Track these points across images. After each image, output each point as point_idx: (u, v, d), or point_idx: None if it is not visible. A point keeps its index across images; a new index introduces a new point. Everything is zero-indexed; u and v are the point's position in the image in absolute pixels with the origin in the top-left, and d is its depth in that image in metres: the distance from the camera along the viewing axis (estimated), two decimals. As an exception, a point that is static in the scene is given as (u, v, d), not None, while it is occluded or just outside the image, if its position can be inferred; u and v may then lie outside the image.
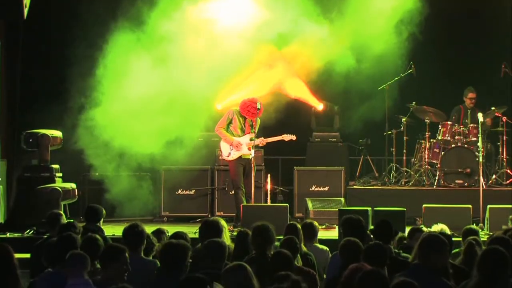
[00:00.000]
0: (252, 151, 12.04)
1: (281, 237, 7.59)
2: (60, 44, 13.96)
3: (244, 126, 12.37)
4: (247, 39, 13.55)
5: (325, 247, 8.51)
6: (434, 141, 14.12)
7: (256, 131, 12.28)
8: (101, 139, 13.39)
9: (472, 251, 6.89)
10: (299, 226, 8.08)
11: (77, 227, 7.89)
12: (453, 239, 8.00)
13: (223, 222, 7.71)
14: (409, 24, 13.87)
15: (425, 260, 5.95)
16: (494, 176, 13.74)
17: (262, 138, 12.38)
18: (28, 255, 8.25)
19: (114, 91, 13.45)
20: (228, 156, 12.32)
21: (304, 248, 7.81)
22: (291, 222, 8.45)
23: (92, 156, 13.48)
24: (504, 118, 13.85)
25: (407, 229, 9.78)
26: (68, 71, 13.51)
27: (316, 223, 8.63)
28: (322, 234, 11.26)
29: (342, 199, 13.34)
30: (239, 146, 12.25)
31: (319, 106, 14.84)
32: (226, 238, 7.68)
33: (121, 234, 7.29)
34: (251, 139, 12.18)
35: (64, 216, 8.80)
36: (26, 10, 11.99)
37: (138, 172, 14.00)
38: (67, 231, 7.30)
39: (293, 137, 12.49)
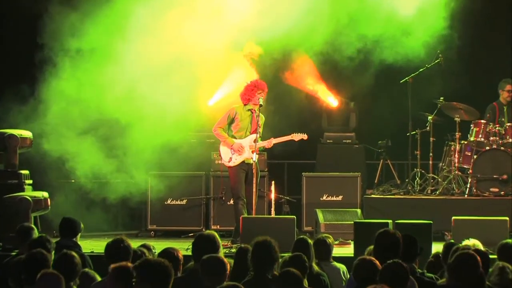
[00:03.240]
0: (255, 154, 12.01)
1: (289, 254, 7.59)
2: (27, 33, 14.01)
3: (250, 125, 12.30)
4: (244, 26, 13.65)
5: (342, 266, 8.51)
6: (466, 142, 14.11)
7: (261, 131, 12.19)
8: (80, 140, 13.42)
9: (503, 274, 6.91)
10: (310, 241, 8.07)
11: (51, 243, 7.89)
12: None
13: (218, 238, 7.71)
14: (439, 10, 13.93)
15: (458, 280, 5.95)
16: (535, 184, 13.76)
17: (272, 138, 12.35)
18: (-7, 275, 8.25)
19: (93, 87, 13.50)
20: (229, 162, 12.24)
21: (316, 268, 7.81)
22: (301, 236, 8.45)
23: (69, 160, 13.50)
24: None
25: (434, 246, 9.81)
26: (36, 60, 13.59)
27: (330, 239, 8.63)
28: (335, 251, 11.26)
29: (358, 210, 13.34)
30: (241, 150, 12.19)
31: (333, 102, 14.84)
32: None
33: (101, 251, 7.28)
34: (255, 141, 12.14)
35: (36, 229, 8.80)
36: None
37: (122, 179, 14.00)
38: (39, 247, 7.29)
39: (304, 136, 12.47)
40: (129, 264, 6.53)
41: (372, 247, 7.48)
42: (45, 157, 13.37)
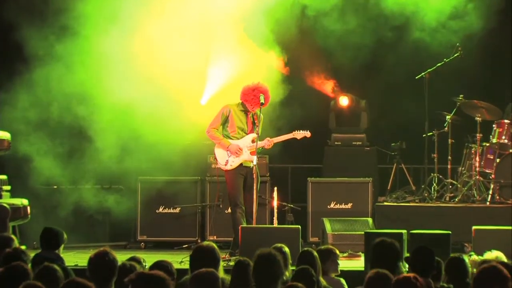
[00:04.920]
0: (255, 156, 12.02)
1: (293, 267, 7.60)
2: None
3: (246, 124, 12.30)
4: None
5: (340, 278, 8.55)
6: (487, 144, 14.12)
7: (260, 130, 12.17)
8: (59, 142, 13.43)
9: None
10: (315, 254, 8.09)
11: (27, 255, 7.88)
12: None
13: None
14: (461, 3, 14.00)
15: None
16: None
17: (268, 138, 12.34)
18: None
19: (79, 86, 13.55)
20: (225, 165, 12.24)
21: (323, 282, 7.82)
22: (306, 248, 8.47)
23: (47, 164, 13.51)
24: None
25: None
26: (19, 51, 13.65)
27: (331, 249, 8.67)
28: (344, 264, 11.27)
29: (370, 220, 13.35)
30: (238, 152, 12.19)
31: (343, 100, 14.85)
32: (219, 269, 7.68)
33: (86, 264, 7.29)
34: (253, 141, 12.15)
35: (16, 240, 8.80)
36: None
37: (108, 185, 14.02)
38: (15, 260, 7.29)
39: (307, 134, 12.48)
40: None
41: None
42: (24, 162, 13.42)
